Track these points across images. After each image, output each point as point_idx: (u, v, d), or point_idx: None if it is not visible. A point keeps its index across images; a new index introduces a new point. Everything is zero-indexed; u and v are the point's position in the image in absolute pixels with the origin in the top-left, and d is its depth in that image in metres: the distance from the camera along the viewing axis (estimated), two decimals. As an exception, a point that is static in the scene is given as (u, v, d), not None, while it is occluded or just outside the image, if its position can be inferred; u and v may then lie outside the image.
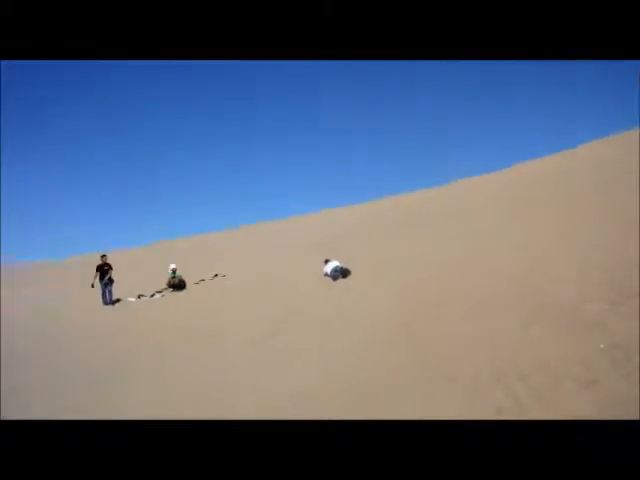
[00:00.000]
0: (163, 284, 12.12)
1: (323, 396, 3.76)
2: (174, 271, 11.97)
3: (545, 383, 2.89)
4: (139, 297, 11.80)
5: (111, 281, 11.26)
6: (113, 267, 11.34)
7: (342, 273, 8.44)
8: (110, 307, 11.06)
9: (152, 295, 11.78)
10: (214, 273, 13.05)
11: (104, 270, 11.20)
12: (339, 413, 3.30)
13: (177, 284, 11.80)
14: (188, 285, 11.96)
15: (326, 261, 9.02)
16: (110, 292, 11.24)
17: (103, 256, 11.45)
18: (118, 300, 11.52)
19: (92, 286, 11.23)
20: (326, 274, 8.71)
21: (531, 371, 3.08)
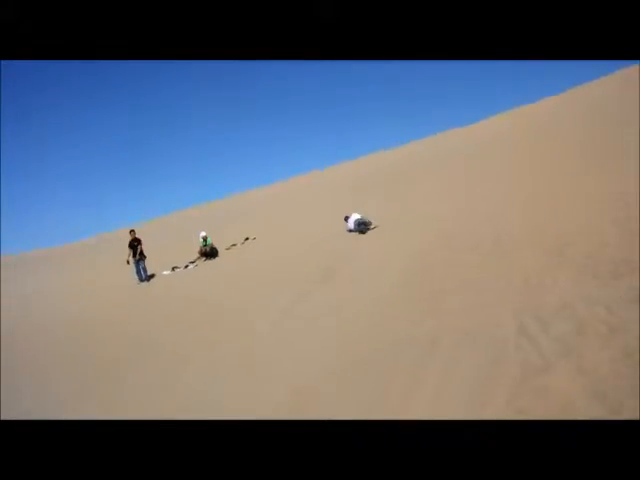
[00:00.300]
0: (195, 254, 11.63)
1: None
2: (205, 239, 11.46)
3: (568, 329, 2.98)
4: (173, 269, 11.33)
5: (143, 256, 10.67)
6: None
7: (365, 224, 8.32)
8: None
9: (186, 266, 11.35)
10: (245, 237, 12.78)
11: (134, 246, 10.62)
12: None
13: (209, 252, 11.38)
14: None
15: (346, 218, 8.80)
16: (144, 268, 10.73)
17: (132, 231, 10.81)
18: (153, 275, 11.04)
19: (127, 263, 10.69)
20: (350, 230, 8.53)
21: (552, 316, 3.19)
